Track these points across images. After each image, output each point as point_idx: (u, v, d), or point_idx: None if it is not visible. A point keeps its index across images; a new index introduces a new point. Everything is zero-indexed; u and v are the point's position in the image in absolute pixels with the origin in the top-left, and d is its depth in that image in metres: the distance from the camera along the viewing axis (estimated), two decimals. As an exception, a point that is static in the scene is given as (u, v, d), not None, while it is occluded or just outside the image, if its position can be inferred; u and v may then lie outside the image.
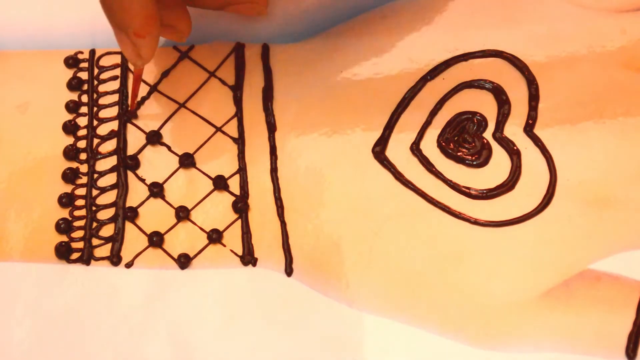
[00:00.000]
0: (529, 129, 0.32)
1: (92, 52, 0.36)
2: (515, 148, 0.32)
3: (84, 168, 0.34)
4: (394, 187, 0.32)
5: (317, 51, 0.35)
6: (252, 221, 0.32)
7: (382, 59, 0.34)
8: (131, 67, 0.35)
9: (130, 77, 0.35)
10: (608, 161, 0.32)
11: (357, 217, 0.32)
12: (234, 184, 0.33)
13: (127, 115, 0.34)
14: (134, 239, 0.33)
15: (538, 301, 0.30)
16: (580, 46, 0.34)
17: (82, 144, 0.34)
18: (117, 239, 0.33)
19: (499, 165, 0.32)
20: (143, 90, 0.35)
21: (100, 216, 0.33)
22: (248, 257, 0.32)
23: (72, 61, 0.36)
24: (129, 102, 0.34)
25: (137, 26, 0.28)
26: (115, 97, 0.35)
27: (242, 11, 0.35)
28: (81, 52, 0.36)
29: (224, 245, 0.32)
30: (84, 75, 0.36)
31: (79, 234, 0.33)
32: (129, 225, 0.33)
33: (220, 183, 0.33)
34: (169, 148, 0.34)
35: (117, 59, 0.36)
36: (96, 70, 0.36)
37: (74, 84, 0.35)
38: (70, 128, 0.35)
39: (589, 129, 0.32)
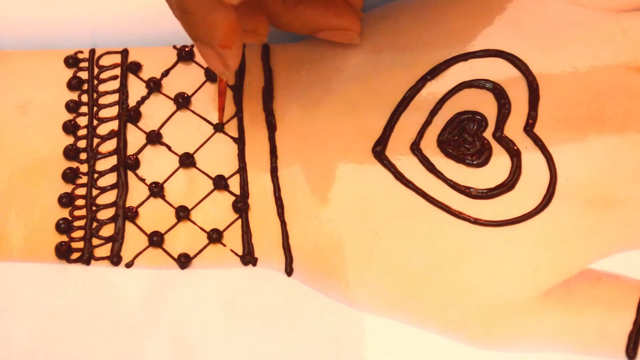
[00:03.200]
0: (529, 129, 0.32)
1: (92, 51, 0.36)
2: (515, 148, 0.32)
3: (84, 168, 0.34)
4: (394, 187, 0.32)
5: (317, 51, 0.35)
6: (252, 221, 0.32)
7: (382, 59, 0.34)
8: (215, 76, 0.35)
9: (130, 78, 0.35)
10: (608, 161, 0.32)
11: (357, 217, 0.32)
12: (234, 184, 0.33)
13: (216, 127, 0.34)
14: (134, 239, 0.33)
15: (538, 301, 0.30)
16: (581, 46, 0.34)
17: (82, 143, 0.34)
18: (117, 239, 0.33)
19: (499, 165, 0.32)
20: (143, 90, 0.35)
21: (101, 216, 0.33)
22: (248, 257, 0.32)
23: (72, 61, 0.36)
24: (218, 115, 0.34)
25: (222, 37, 0.28)
26: (115, 97, 0.35)
27: (334, 38, 0.34)
28: (81, 52, 0.36)
29: (224, 245, 0.32)
30: (84, 75, 0.36)
31: (79, 233, 0.33)
32: (129, 225, 0.33)
33: (220, 183, 0.33)
34: (169, 148, 0.34)
35: (117, 59, 0.36)
36: (96, 70, 0.36)
37: (74, 84, 0.35)
38: (70, 128, 0.35)
39: (589, 129, 0.32)
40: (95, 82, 0.36)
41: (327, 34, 0.33)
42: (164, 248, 0.32)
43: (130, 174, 0.34)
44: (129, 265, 0.32)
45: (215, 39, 0.28)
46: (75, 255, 0.33)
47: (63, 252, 0.32)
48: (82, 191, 0.34)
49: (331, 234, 0.32)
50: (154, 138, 0.34)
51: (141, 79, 0.35)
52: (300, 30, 0.33)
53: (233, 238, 0.32)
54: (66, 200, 0.33)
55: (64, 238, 0.33)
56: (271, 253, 0.32)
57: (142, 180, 0.34)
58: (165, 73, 0.35)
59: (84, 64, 0.36)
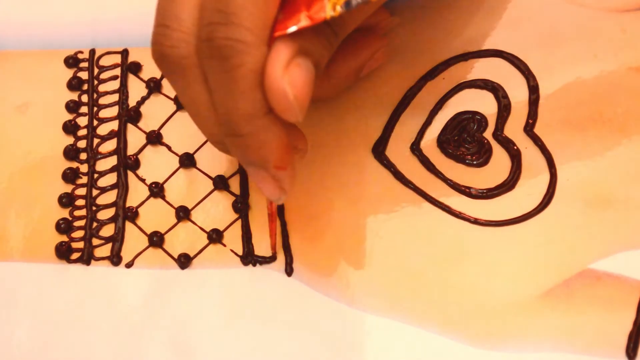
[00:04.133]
0: (529, 129, 0.32)
1: (92, 51, 0.36)
2: (515, 148, 0.32)
3: (84, 168, 0.34)
4: (394, 187, 0.32)
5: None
6: (252, 221, 0.32)
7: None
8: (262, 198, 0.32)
9: (130, 78, 0.35)
10: (608, 161, 0.32)
11: (358, 217, 0.32)
12: (234, 184, 0.33)
13: (271, 258, 0.32)
14: (134, 239, 0.33)
15: (538, 301, 0.30)
16: (581, 46, 0.34)
17: (82, 143, 0.34)
18: (117, 239, 0.33)
19: (499, 165, 0.32)
20: (143, 90, 0.35)
21: (101, 216, 0.33)
22: (248, 257, 0.32)
23: (72, 61, 0.36)
24: (271, 244, 0.31)
25: (277, 159, 0.25)
26: (115, 97, 0.35)
27: (373, 66, 0.33)
28: (81, 52, 0.36)
29: (224, 245, 0.32)
30: (84, 75, 0.36)
31: (79, 233, 0.33)
32: (129, 225, 0.33)
33: (220, 183, 0.33)
34: (169, 148, 0.34)
35: (117, 59, 0.36)
36: (96, 70, 0.36)
37: (74, 84, 0.35)
38: (70, 128, 0.35)
39: (589, 129, 0.32)
40: (96, 82, 0.36)
41: (368, 68, 0.32)
42: (164, 248, 0.32)
43: (130, 174, 0.34)
44: (129, 265, 0.32)
45: (270, 162, 0.26)
46: (75, 255, 0.33)
47: (63, 252, 0.32)
48: (82, 191, 0.34)
49: (331, 234, 0.32)
50: (154, 138, 0.34)
51: (141, 79, 0.35)
52: (346, 85, 0.32)
53: (233, 238, 0.32)
54: (66, 200, 0.33)
55: (64, 238, 0.33)
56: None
57: (142, 180, 0.34)
58: (165, 73, 0.35)
59: (84, 64, 0.36)
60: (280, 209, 0.32)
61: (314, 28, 0.23)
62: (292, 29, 0.23)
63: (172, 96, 0.35)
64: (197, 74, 0.24)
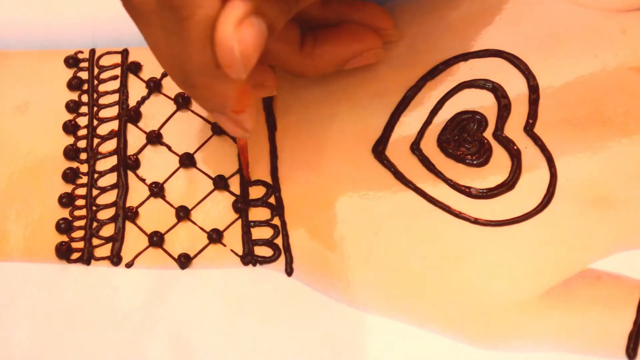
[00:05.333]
0: (529, 129, 0.32)
1: (92, 51, 0.36)
2: (515, 147, 0.32)
3: (84, 168, 0.34)
4: (394, 187, 0.32)
5: (317, 51, 0.35)
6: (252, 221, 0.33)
7: (382, 59, 0.34)
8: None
9: (131, 78, 0.35)
10: (608, 161, 0.32)
11: (357, 217, 0.32)
12: (234, 184, 0.33)
13: (246, 182, 0.33)
14: (134, 239, 0.33)
15: (538, 301, 0.30)
16: (581, 45, 0.34)
17: (82, 143, 0.34)
18: (117, 239, 0.33)
19: (499, 165, 0.32)
20: (143, 90, 0.35)
21: (101, 216, 0.33)
22: (248, 257, 0.32)
23: (72, 61, 0.36)
24: (244, 172, 0.33)
25: (234, 105, 0.27)
26: (115, 97, 0.35)
27: (361, 63, 0.33)
28: (81, 52, 0.36)
29: (224, 245, 0.32)
30: (84, 75, 0.36)
31: (79, 233, 0.33)
32: (129, 225, 0.33)
33: (220, 183, 0.33)
34: (169, 148, 0.34)
35: (117, 59, 0.36)
36: (96, 70, 0.36)
37: (74, 84, 0.35)
38: (70, 128, 0.35)
39: (589, 129, 0.32)
40: (96, 82, 0.36)
41: (354, 62, 0.32)
42: (164, 248, 0.32)
43: (130, 174, 0.34)
44: (129, 265, 0.32)
45: (227, 107, 0.27)
46: (75, 255, 0.33)
47: (63, 252, 0.32)
48: (82, 191, 0.34)
49: (331, 233, 0.32)
50: (154, 138, 0.34)
51: (141, 79, 0.35)
52: (327, 70, 0.32)
53: (233, 238, 0.32)
54: (66, 200, 0.33)
55: (64, 238, 0.33)
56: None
57: (142, 180, 0.34)
58: (166, 73, 0.35)
59: (84, 64, 0.36)
60: (281, 209, 0.32)
61: None
62: None
63: (172, 96, 0.35)
64: (157, 20, 0.24)
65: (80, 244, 0.33)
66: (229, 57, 0.23)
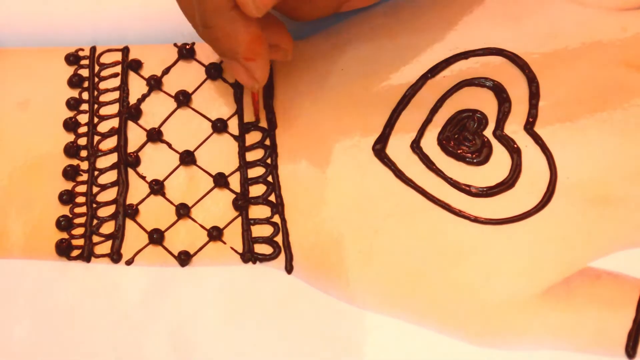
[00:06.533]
0: (529, 127, 0.32)
1: (93, 49, 0.36)
2: (515, 146, 0.32)
3: (84, 165, 0.34)
4: (394, 185, 0.32)
5: (317, 49, 0.35)
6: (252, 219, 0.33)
7: (382, 57, 0.34)
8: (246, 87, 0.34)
9: (131, 75, 0.35)
10: (608, 159, 0.32)
11: (358, 215, 0.32)
12: (235, 182, 0.33)
13: (254, 123, 0.34)
14: (134, 236, 0.33)
15: (538, 299, 0.30)
16: (581, 44, 0.34)
17: (82, 141, 0.34)
18: (117, 236, 0.33)
19: (499, 163, 0.32)
20: (143, 87, 0.35)
21: (101, 213, 0.33)
22: (248, 255, 0.32)
23: (72, 58, 0.36)
24: (254, 111, 0.34)
25: (245, 50, 0.28)
26: (116, 95, 0.35)
27: (358, 4, 0.34)
28: (82, 49, 0.36)
29: (224, 243, 0.32)
30: (84, 73, 0.36)
31: (79, 231, 0.33)
32: (129, 223, 0.33)
33: (220, 180, 0.33)
34: (169, 145, 0.34)
35: (117, 56, 0.36)
36: (97, 68, 0.36)
37: (74, 81, 0.35)
38: (71, 125, 0.35)
39: (589, 127, 0.32)
40: (96, 79, 0.36)
41: (349, 6, 0.33)
42: (164, 245, 0.32)
43: (130, 171, 0.34)
44: (129, 262, 0.32)
45: (238, 53, 0.28)
46: (75, 253, 0.33)
47: (63, 250, 0.32)
48: (82, 188, 0.34)
49: (331, 231, 0.32)
50: (154, 136, 0.34)
51: (142, 77, 0.35)
52: (326, 11, 0.33)
53: (233, 235, 0.32)
54: (66, 197, 0.33)
55: (65, 235, 0.33)
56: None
57: (143, 177, 0.34)
58: (166, 71, 0.35)
59: (85, 62, 0.36)
60: (281, 207, 0.32)
61: None
62: None
63: (173, 93, 0.35)
64: None
65: (81, 241, 0.33)
66: None
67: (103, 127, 0.35)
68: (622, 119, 0.32)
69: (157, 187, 0.33)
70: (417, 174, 0.32)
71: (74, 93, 0.35)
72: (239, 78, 0.30)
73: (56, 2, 0.37)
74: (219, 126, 0.34)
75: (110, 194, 0.34)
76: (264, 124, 0.34)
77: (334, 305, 0.31)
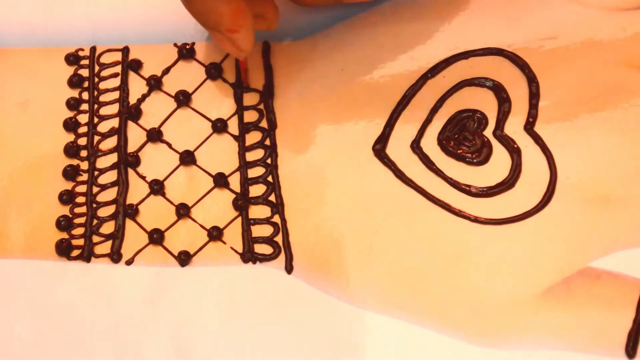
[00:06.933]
0: (529, 127, 0.32)
1: (93, 49, 0.36)
2: (515, 146, 0.32)
3: (84, 165, 0.34)
4: (394, 185, 0.32)
5: (317, 49, 0.35)
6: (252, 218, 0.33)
7: (382, 57, 0.34)
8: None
9: (131, 75, 0.36)
10: (608, 159, 0.32)
11: (358, 215, 0.32)
12: (235, 182, 0.33)
13: (242, 87, 0.34)
14: (134, 236, 0.33)
15: (538, 299, 0.30)
16: (581, 44, 0.34)
17: (82, 141, 0.35)
18: (117, 236, 0.33)
19: (499, 163, 0.32)
20: (143, 87, 0.35)
21: (101, 213, 0.33)
22: (248, 255, 0.32)
23: (72, 58, 0.36)
24: (242, 77, 0.34)
25: (228, 23, 0.29)
26: (115, 94, 0.35)
27: None
28: (82, 49, 0.36)
29: (225, 243, 0.32)
30: (84, 73, 0.36)
31: (79, 231, 0.33)
32: (129, 223, 0.33)
33: (220, 180, 0.33)
34: (169, 145, 0.34)
35: (117, 56, 0.36)
36: (97, 68, 0.36)
37: (74, 81, 0.35)
38: (71, 125, 0.35)
39: (589, 127, 0.32)
40: (96, 79, 0.36)
41: None
42: (164, 245, 0.32)
43: (130, 171, 0.34)
44: (129, 262, 0.32)
45: (222, 25, 0.29)
46: (75, 253, 0.33)
47: (63, 250, 0.32)
48: (82, 188, 0.34)
49: (331, 231, 0.32)
50: (154, 136, 0.34)
51: (142, 77, 0.35)
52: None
53: (233, 236, 0.32)
54: (67, 197, 0.33)
55: (65, 235, 0.33)
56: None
57: (143, 177, 0.34)
58: (166, 71, 0.35)
59: (85, 62, 0.36)
60: (281, 207, 0.32)
61: None
62: None
63: (173, 93, 0.35)
64: None
65: (81, 241, 0.33)
66: None
67: (103, 127, 0.35)
68: (622, 119, 0.32)
69: (157, 187, 0.33)
70: (417, 174, 0.32)
71: (74, 93, 0.35)
72: (224, 49, 0.31)
73: (56, 2, 0.37)
74: (219, 126, 0.34)
75: (110, 194, 0.34)
76: (263, 124, 0.34)
77: (334, 305, 0.31)
